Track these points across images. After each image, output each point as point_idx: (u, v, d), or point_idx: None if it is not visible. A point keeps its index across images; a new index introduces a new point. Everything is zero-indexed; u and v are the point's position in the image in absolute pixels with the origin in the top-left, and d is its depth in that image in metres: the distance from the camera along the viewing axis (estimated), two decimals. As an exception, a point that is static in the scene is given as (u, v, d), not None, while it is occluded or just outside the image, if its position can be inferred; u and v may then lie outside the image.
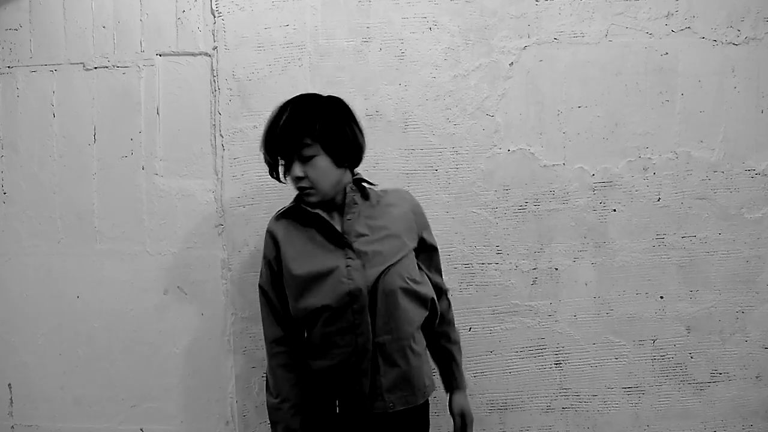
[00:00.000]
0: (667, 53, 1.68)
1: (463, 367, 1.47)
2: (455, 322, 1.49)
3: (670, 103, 1.69)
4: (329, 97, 1.30)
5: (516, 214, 1.69)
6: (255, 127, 1.70)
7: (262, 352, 1.72)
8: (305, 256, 1.28)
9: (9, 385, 1.79)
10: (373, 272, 1.24)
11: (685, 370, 1.71)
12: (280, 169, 1.31)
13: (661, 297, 1.70)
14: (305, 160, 1.23)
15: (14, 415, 1.79)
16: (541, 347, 1.71)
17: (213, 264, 1.72)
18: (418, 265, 1.36)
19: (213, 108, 1.71)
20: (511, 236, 1.69)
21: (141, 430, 1.76)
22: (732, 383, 1.72)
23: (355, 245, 1.27)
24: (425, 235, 1.39)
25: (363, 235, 1.28)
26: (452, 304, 1.48)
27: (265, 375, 1.71)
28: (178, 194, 1.73)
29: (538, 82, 1.69)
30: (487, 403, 1.72)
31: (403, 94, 1.69)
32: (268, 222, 1.37)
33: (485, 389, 1.71)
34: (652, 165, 1.69)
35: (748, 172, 1.69)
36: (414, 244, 1.35)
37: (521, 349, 1.71)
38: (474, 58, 1.69)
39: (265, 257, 1.34)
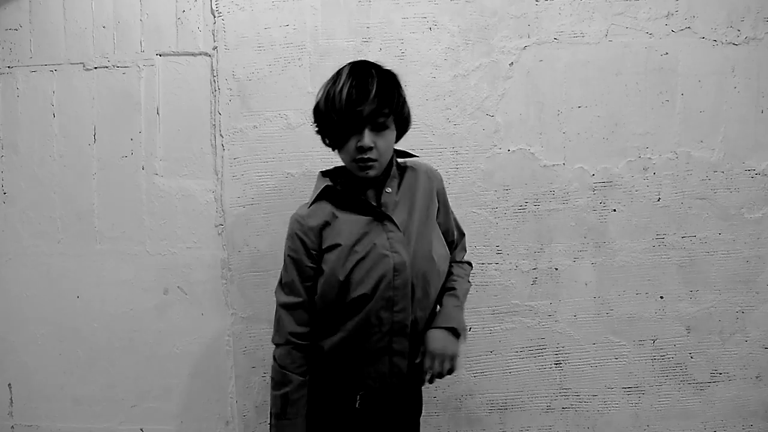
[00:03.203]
0: (667, 53, 1.68)
1: (453, 308, 1.28)
2: (465, 272, 1.38)
3: (670, 103, 1.69)
4: (389, 69, 1.23)
5: (516, 214, 1.69)
6: (255, 127, 1.70)
7: (262, 352, 1.72)
8: (345, 237, 1.20)
9: (9, 385, 1.79)
10: (414, 245, 1.20)
11: (685, 370, 1.71)
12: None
13: (661, 297, 1.70)
14: (379, 129, 1.16)
15: (14, 415, 1.79)
16: (541, 347, 1.71)
17: (213, 264, 1.72)
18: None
19: (213, 108, 1.71)
20: (511, 236, 1.69)
21: (141, 430, 1.76)
22: (732, 383, 1.72)
23: (394, 217, 1.21)
24: (441, 199, 1.34)
25: (400, 208, 1.24)
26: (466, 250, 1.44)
27: (265, 375, 1.71)
28: (178, 194, 1.73)
29: (538, 82, 1.69)
30: (487, 403, 1.72)
31: (403, 94, 1.69)
32: (293, 218, 1.25)
33: (485, 389, 1.71)
34: (652, 165, 1.69)
35: (748, 172, 1.69)
36: (435, 216, 1.30)
37: (521, 349, 1.71)
38: (474, 58, 1.69)
39: (296, 250, 1.23)
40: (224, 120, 1.71)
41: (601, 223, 1.70)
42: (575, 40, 1.68)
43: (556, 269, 1.70)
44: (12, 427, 1.79)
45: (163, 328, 1.74)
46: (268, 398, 1.71)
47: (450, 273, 1.34)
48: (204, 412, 1.74)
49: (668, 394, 1.72)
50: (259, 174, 1.71)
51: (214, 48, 1.70)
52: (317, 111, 1.21)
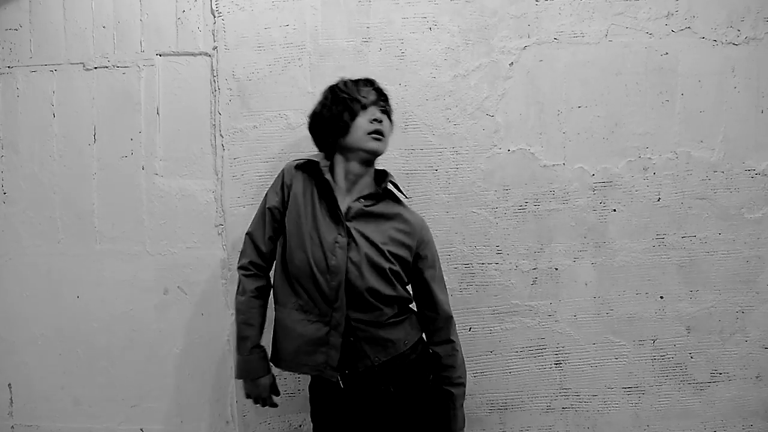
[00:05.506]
0: (667, 53, 1.68)
1: (461, 409, 1.38)
2: (460, 360, 1.38)
3: (670, 103, 1.69)
4: None
5: (516, 214, 1.69)
6: (255, 127, 1.70)
7: (262, 352, 1.72)
8: (306, 216, 1.31)
9: (9, 385, 1.79)
10: (354, 257, 1.27)
11: (685, 370, 1.71)
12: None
13: (661, 297, 1.70)
14: (384, 112, 1.32)
15: (14, 415, 1.79)
16: (541, 347, 1.71)
17: (213, 264, 1.72)
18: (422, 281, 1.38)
19: (213, 108, 1.71)
20: (511, 236, 1.70)
21: (141, 430, 1.76)
22: (732, 383, 1.72)
23: (351, 225, 1.30)
24: (424, 252, 1.36)
25: (363, 222, 1.31)
26: (455, 326, 1.39)
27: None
28: (178, 194, 1.73)
29: (538, 82, 1.69)
30: (487, 403, 1.72)
31: (403, 94, 1.69)
32: (287, 163, 1.38)
33: (485, 389, 1.71)
34: (652, 165, 1.69)
35: (748, 172, 1.69)
36: (407, 260, 1.34)
37: (521, 349, 1.71)
38: (474, 58, 1.69)
39: (282, 187, 1.35)
40: (224, 120, 1.71)
41: (601, 223, 1.70)
42: (575, 40, 1.68)
43: (556, 269, 1.70)
44: (12, 427, 1.79)
45: (163, 328, 1.74)
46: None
47: (453, 362, 1.36)
48: (204, 412, 1.74)
49: (668, 394, 1.72)
50: (259, 174, 1.71)
51: (214, 48, 1.70)
52: (321, 109, 1.34)
